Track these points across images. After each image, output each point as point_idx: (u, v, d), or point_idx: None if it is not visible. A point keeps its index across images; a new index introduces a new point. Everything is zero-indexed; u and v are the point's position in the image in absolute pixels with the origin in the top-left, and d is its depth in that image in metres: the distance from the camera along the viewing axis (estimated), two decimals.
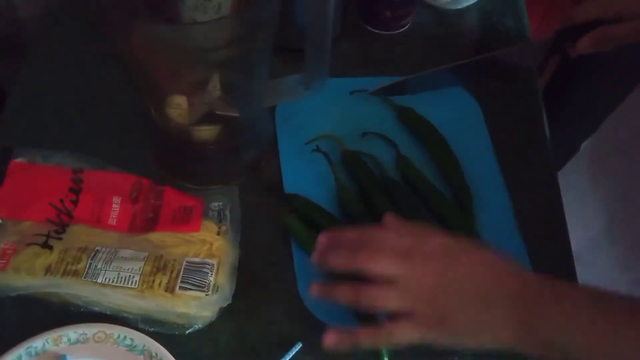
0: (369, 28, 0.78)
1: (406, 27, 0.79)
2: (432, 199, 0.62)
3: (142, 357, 0.51)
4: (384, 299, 0.47)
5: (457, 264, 0.47)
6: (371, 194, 0.61)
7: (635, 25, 0.62)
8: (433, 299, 0.46)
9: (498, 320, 0.46)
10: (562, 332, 0.44)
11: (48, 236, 0.55)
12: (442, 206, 0.61)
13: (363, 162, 0.64)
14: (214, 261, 0.54)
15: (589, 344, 0.44)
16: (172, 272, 0.53)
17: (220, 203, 0.59)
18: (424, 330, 0.47)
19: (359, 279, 0.48)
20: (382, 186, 0.62)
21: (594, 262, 0.73)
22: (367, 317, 0.51)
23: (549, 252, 0.61)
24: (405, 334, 0.47)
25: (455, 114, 0.70)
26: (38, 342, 0.51)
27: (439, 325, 0.46)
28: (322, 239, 0.51)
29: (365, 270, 0.48)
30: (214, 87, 0.58)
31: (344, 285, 0.49)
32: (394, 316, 0.47)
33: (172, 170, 0.65)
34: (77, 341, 0.52)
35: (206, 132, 0.61)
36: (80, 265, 0.53)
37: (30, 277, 0.53)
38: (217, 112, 0.60)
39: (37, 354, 0.51)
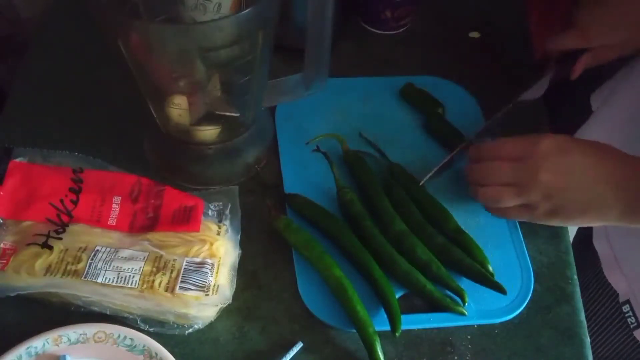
0: (369, 28, 0.79)
1: (406, 27, 0.79)
2: (427, 206, 0.61)
3: (142, 357, 0.51)
4: (502, 198, 0.56)
5: (569, 159, 0.54)
6: (371, 194, 0.61)
7: (624, 48, 0.64)
8: (547, 196, 0.54)
9: (606, 203, 0.53)
10: None
11: (48, 236, 0.55)
12: (437, 212, 0.61)
13: (364, 161, 0.64)
14: (214, 261, 0.54)
15: None
16: (172, 272, 0.53)
17: (220, 203, 0.59)
18: (538, 218, 0.56)
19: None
20: (381, 186, 0.62)
21: (594, 261, 0.73)
22: None
23: (549, 252, 0.61)
24: (522, 217, 0.58)
25: (455, 112, 0.70)
26: (38, 342, 0.51)
27: (554, 214, 0.55)
28: (466, 169, 0.61)
29: (483, 182, 0.58)
30: (214, 87, 0.58)
31: (478, 187, 0.58)
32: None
33: (172, 170, 0.65)
34: (77, 341, 0.52)
35: (206, 132, 0.61)
36: (80, 265, 0.53)
37: (30, 277, 0.53)
38: (217, 112, 0.60)
39: (37, 354, 0.51)
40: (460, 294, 0.56)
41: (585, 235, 0.71)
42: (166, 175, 0.63)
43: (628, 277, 0.67)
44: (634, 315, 0.67)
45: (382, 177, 0.64)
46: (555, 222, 0.57)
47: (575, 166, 0.54)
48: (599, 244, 0.71)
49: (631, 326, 0.68)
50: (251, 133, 0.64)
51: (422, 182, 0.63)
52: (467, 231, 0.60)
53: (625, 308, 0.68)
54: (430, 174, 0.64)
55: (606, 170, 0.53)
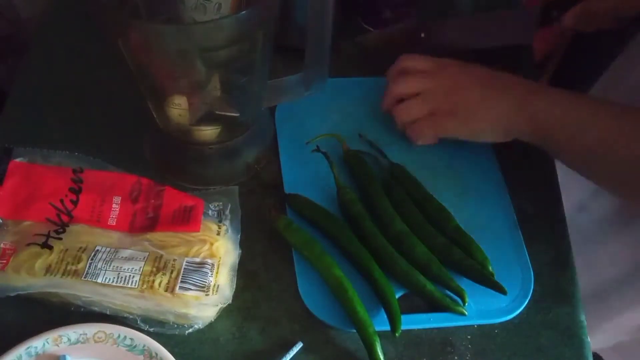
0: (370, 28, 0.78)
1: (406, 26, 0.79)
2: (427, 206, 0.61)
3: (142, 357, 0.51)
4: (410, 108, 0.61)
5: (468, 71, 0.60)
6: (371, 194, 0.61)
7: (614, 1, 0.63)
8: (447, 94, 0.59)
9: (499, 104, 0.58)
10: (546, 110, 0.55)
11: (48, 236, 0.55)
12: (437, 212, 0.61)
13: (364, 161, 0.64)
14: (214, 261, 0.54)
15: (575, 127, 0.54)
16: (172, 272, 0.53)
17: (220, 203, 0.59)
18: (440, 121, 0.60)
19: None
20: (381, 186, 0.62)
21: (594, 260, 0.73)
22: None
23: (549, 252, 0.61)
24: (425, 130, 0.61)
25: None
26: (38, 342, 0.51)
27: (453, 114, 0.59)
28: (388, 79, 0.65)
29: (397, 95, 0.63)
30: (214, 87, 0.58)
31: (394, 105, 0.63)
32: None
33: (172, 170, 0.65)
34: (77, 341, 0.52)
35: (206, 132, 0.61)
36: (80, 265, 0.53)
37: (30, 277, 0.52)
38: (217, 112, 0.60)
39: (37, 354, 0.51)
40: (460, 294, 0.56)
41: None
42: (166, 175, 0.63)
43: None
44: None
45: (382, 177, 0.64)
46: (454, 123, 0.60)
47: (474, 71, 0.60)
48: None
49: None
50: (251, 133, 0.64)
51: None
52: (467, 231, 0.60)
53: None
54: None
55: (502, 81, 0.59)
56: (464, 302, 0.56)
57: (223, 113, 0.60)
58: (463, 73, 0.60)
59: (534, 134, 0.57)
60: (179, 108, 0.58)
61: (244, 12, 0.48)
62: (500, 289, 0.55)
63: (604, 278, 0.73)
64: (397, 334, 0.53)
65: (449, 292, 0.57)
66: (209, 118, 0.60)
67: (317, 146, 0.63)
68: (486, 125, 0.59)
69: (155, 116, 0.61)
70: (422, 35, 0.70)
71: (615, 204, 0.70)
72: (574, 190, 0.70)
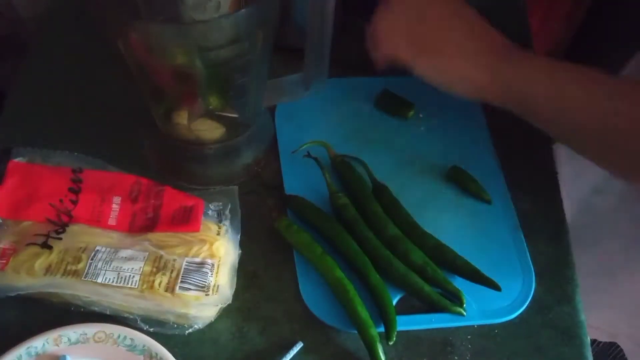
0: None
1: None
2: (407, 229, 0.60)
3: (142, 357, 0.51)
4: (395, 39, 0.58)
5: (458, 9, 0.57)
6: (362, 199, 0.61)
7: None
8: (434, 29, 0.56)
9: (478, 57, 0.55)
10: (522, 80, 0.53)
11: (48, 236, 0.55)
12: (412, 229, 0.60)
13: (351, 167, 0.64)
14: (214, 261, 0.54)
15: (546, 96, 0.52)
16: (172, 272, 0.53)
17: (220, 203, 0.59)
18: (420, 56, 0.56)
19: None
20: (370, 190, 0.62)
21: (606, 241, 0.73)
22: None
23: (549, 252, 0.61)
24: (405, 60, 0.57)
25: (456, 112, 0.70)
26: (38, 342, 0.51)
27: (432, 51, 0.56)
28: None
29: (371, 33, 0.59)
30: (214, 87, 0.58)
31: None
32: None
33: (172, 170, 0.65)
34: (77, 341, 0.52)
35: (206, 132, 0.61)
36: (80, 265, 0.53)
37: (30, 277, 0.52)
38: (216, 113, 0.60)
39: (37, 354, 0.51)
40: (457, 295, 0.56)
41: None
42: (166, 175, 0.63)
43: None
44: None
45: (372, 180, 0.63)
46: (429, 64, 0.57)
47: (463, 14, 0.57)
48: None
49: None
50: (251, 133, 0.64)
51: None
52: (468, 232, 0.60)
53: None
54: None
55: (490, 29, 0.56)
56: (461, 303, 0.56)
57: (222, 114, 0.60)
58: (450, 11, 0.57)
59: (508, 101, 0.55)
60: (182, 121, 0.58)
61: (243, 11, 0.48)
62: (493, 286, 0.55)
63: (618, 254, 0.72)
64: (390, 342, 0.53)
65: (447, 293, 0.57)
66: (208, 118, 0.60)
67: (308, 152, 0.63)
68: (455, 76, 0.57)
69: (154, 116, 0.61)
70: None
71: (630, 184, 0.69)
72: (587, 174, 0.69)
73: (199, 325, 0.54)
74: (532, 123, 0.55)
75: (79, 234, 0.56)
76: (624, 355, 0.75)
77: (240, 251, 0.57)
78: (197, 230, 0.56)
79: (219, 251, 0.55)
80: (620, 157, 0.51)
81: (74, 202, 0.57)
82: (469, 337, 0.56)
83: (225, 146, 0.63)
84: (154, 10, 0.55)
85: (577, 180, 0.63)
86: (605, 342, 0.68)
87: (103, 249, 0.54)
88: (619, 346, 0.82)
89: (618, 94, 0.50)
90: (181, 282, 0.52)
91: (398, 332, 0.53)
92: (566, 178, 0.66)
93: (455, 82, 0.56)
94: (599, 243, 0.63)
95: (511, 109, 0.55)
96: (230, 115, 0.61)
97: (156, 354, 0.51)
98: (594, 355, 0.56)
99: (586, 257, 0.65)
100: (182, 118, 0.59)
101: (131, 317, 0.53)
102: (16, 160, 0.59)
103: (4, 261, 0.53)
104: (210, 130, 0.62)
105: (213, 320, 0.55)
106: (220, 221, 0.58)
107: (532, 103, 0.53)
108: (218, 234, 0.57)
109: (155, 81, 0.58)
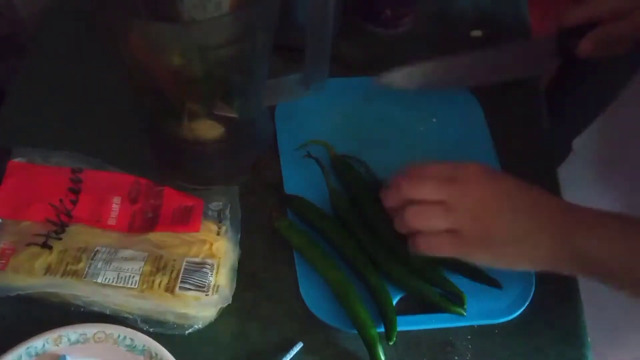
0: (370, 27, 0.78)
1: (407, 25, 0.79)
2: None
3: (142, 357, 0.51)
4: (430, 217, 0.51)
5: (495, 185, 0.52)
6: (362, 200, 0.61)
7: (636, 19, 0.61)
8: (476, 218, 0.50)
9: (535, 235, 0.49)
10: (596, 247, 0.48)
11: (47, 236, 0.55)
12: None
13: (351, 166, 0.64)
14: (214, 261, 0.54)
15: (624, 259, 0.47)
16: (172, 272, 0.53)
17: (220, 203, 0.59)
18: (466, 247, 0.51)
19: None
20: (370, 190, 0.62)
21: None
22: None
23: None
24: (446, 248, 0.51)
25: (456, 112, 0.70)
26: (38, 342, 0.51)
27: (483, 241, 0.50)
28: (383, 193, 0.55)
29: (411, 197, 0.52)
30: (213, 86, 0.58)
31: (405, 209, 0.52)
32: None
33: (172, 170, 0.65)
34: (77, 341, 0.52)
35: (206, 132, 0.61)
36: (80, 265, 0.53)
37: (30, 277, 0.52)
38: (216, 113, 0.60)
39: (37, 354, 0.51)
40: (458, 295, 0.56)
41: None
42: (166, 175, 0.63)
43: None
44: None
45: (373, 179, 0.63)
46: (486, 255, 0.51)
47: (504, 190, 0.51)
48: None
49: None
50: (251, 132, 0.64)
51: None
52: None
53: None
54: None
55: (535, 204, 0.51)
56: (462, 303, 0.55)
57: (222, 113, 0.60)
58: (490, 188, 0.51)
59: (580, 269, 0.50)
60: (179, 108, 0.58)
61: (242, 10, 0.48)
62: (494, 284, 0.55)
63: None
64: (390, 342, 0.53)
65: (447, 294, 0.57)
66: (208, 117, 0.60)
67: (309, 152, 0.63)
68: (523, 260, 0.51)
69: (154, 116, 0.61)
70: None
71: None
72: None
73: (199, 325, 0.54)
74: (602, 282, 0.50)
75: (78, 234, 0.56)
76: None
77: (240, 251, 0.57)
78: (197, 230, 0.56)
79: (219, 251, 0.55)
80: None
81: (74, 202, 0.57)
82: (469, 337, 0.56)
83: (225, 146, 0.63)
84: (153, 10, 0.55)
85: None
86: None
87: (103, 249, 0.54)
88: None
89: None
90: (181, 282, 0.52)
91: (398, 332, 0.53)
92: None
93: (517, 264, 0.52)
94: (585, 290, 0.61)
95: (582, 274, 0.52)
96: (229, 114, 0.61)
97: (156, 354, 0.51)
98: None
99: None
100: (181, 118, 0.59)
101: (131, 317, 0.53)
102: (16, 160, 0.59)
103: (4, 261, 0.53)
104: (209, 130, 0.61)
105: (213, 320, 0.55)
106: (220, 221, 0.58)
107: (608, 265, 0.48)
108: (218, 234, 0.57)
109: (155, 81, 0.58)
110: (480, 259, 0.52)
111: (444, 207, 0.51)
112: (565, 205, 0.51)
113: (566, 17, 0.64)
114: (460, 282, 0.57)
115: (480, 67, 0.69)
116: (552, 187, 0.66)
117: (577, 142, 0.76)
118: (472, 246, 0.51)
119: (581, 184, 0.74)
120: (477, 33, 0.79)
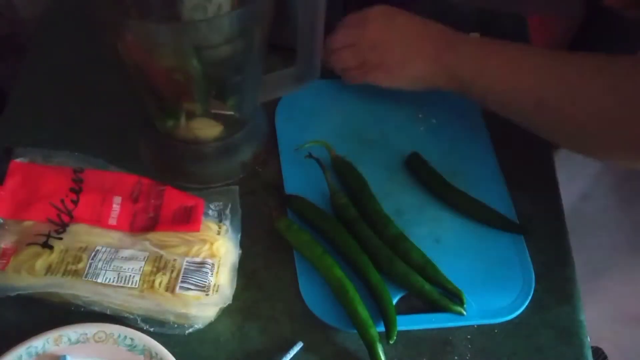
0: None
1: None
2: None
3: (142, 357, 0.51)
4: (344, 58, 0.65)
5: (390, 21, 0.63)
6: (363, 199, 0.61)
7: None
8: (374, 48, 0.63)
9: (418, 58, 0.62)
10: (458, 64, 0.59)
11: (48, 236, 0.55)
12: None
13: (352, 167, 0.64)
14: (214, 261, 0.54)
15: (490, 79, 0.58)
16: (172, 272, 0.53)
17: (220, 203, 0.59)
18: (371, 73, 0.64)
19: None
20: (370, 189, 0.62)
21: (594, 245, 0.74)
22: None
23: (549, 252, 0.61)
24: (358, 77, 0.66)
25: (456, 112, 0.70)
26: (38, 342, 0.51)
27: (379, 67, 0.64)
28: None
29: (332, 46, 0.65)
30: (211, 85, 0.58)
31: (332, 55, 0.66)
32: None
33: (171, 169, 0.65)
34: (77, 341, 0.52)
35: (205, 131, 0.61)
36: (81, 265, 0.53)
37: (30, 277, 0.53)
38: (213, 111, 0.60)
39: (37, 354, 0.51)
40: (457, 294, 0.56)
41: None
42: (165, 175, 0.63)
43: None
44: None
45: None
46: (385, 77, 0.64)
47: (398, 25, 0.63)
48: None
49: None
50: (247, 130, 0.64)
51: None
52: (468, 232, 0.60)
53: None
54: None
55: (424, 29, 0.63)
56: (462, 302, 0.56)
57: (218, 111, 0.60)
58: (387, 27, 0.63)
59: (451, 85, 0.61)
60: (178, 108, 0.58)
61: (238, 10, 0.48)
62: (520, 229, 0.61)
63: (602, 260, 0.73)
64: (390, 342, 0.53)
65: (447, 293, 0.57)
66: (206, 116, 0.60)
67: (310, 152, 0.63)
68: (407, 79, 0.64)
69: (153, 116, 0.61)
70: None
71: (617, 192, 0.70)
72: (577, 180, 0.70)
73: (199, 325, 0.54)
74: (496, 111, 0.60)
75: (79, 234, 0.56)
76: None
77: (240, 251, 0.57)
78: (198, 230, 0.56)
79: (219, 251, 0.55)
80: (618, 139, 0.52)
81: (75, 202, 0.57)
82: (469, 337, 0.56)
83: (223, 144, 0.63)
84: (153, 11, 0.55)
85: (568, 185, 0.64)
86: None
87: (103, 249, 0.54)
88: (604, 352, 0.82)
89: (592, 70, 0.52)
90: (181, 282, 0.52)
91: (398, 331, 0.53)
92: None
93: (407, 84, 0.64)
94: (584, 248, 0.63)
95: (462, 94, 0.61)
96: (227, 112, 0.61)
97: (156, 354, 0.51)
98: None
99: None
100: (179, 117, 0.59)
101: (131, 317, 0.53)
102: (17, 160, 0.59)
103: (5, 261, 0.53)
104: (208, 129, 0.62)
105: (213, 320, 0.55)
106: (220, 221, 0.58)
107: (477, 85, 0.59)
108: (218, 233, 0.57)
109: (153, 81, 0.58)
110: (382, 81, 0.65)
111: (351, 49, 0.64)
112: (443, 30, 0.62)
113: None
114: (460, 282, 0.57)
115: None
116: (552, 187, 0.66)
117: None
118: (375, 71, 0.64)
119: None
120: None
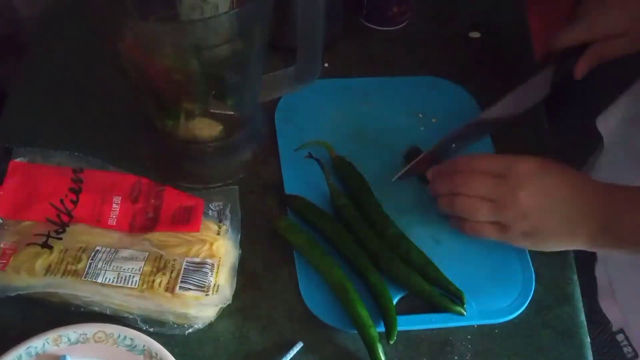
0: (371, 25, 0.78)
1: (407, 21, 0.79)
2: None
3: (142, 357, 0.51)
4: (478, 211, 0.55)
5: (547, 181, 0.54)
6: (363, 199, 0.61)
7: (631, 39, 0.62)
8: (525, 216, 0.54)
9: (579, 227, 0.54)
10: (633, 229, 0.52)
11: (48, 236, 0.55)
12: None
13: (352, 167, 0.64)
14: (214, 261, 0.54)
15: None
16: (172, 272, 0.53)
17: (220, 203, 0.59)
18: (512, 238, 0.56)
19: None
20: (370, 190, 0.62)
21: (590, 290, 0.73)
22: None
23: (549, 252, 0.61)
24: (491, 235, 0.56)
25: (456, 112, 0.70)
26: (38, 342, 0.51)
27: (528, 236, 0.55)
28: (428, 174, 0.61)
29: (461, 191, 0.56)
30: (210, 85, 0.58)
31: (453, 197, 0.57)
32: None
33: (170, 170, 0.65)
34: (77, 341, 0.52)
35: (205, 131, 0.61)
36: (80, 265, 0.53)
37: (30, 277, 0.53)
38: (213, 111, 0.60)
39: (37, 354, 0.51)
40: (458, 295, 0.56)
41: (586, 261, 0.70)
42: (165, 175, 0.63)
43: (621, 306, 0.67)
44: (630, 344, 0.66)
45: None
46: (528, 244, 0.57)
47: (552, 187, 0.54)
48: (599, 271, 0.69)
49: (628, 356, 0.67)
50: (247, 130, 0.64)
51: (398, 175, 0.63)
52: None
53: (620, 337, 0.67)
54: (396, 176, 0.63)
55: (578, 192, 0.54)
56: (462, 303, 0.56)
57: (218, 111, 0.60)
58: (541, 191, 0.54)
59: (614, 246, 0.55)
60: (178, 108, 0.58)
61: (237, 9, 0.48)
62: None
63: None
64: (391, 342, 0.53)
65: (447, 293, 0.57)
66: (206, 116, 0.60)
67: (310, 153, 0.63)
68: (561, 245, 0.57)
69: (153, 116, 0.61)
70: (453, 145, 0.64)
71: None
72: None
73: (199, 325, 0.54)
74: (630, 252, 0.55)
75: (79, 234, 0.56)
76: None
77: (240, 251, 0.57)
78: (197, 230, 0.56)
79: (219, 251, 0.55)
80: None
81: (75, 202, 0.57)
82: (469, 337, 0.56)
83: (223, 144, 0.63)
84: (152, 12, 0.55)
85: None
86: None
87: (103, 249, 0.54)
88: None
89: None
90: (181, 282, 0.52)
91: (398, 332, 0.53)
92: None
93: (556, 248, 0.58)
94: None
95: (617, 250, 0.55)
96: (227, 112, 0.61)
97: (156, 354, 0.51)
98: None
99: None
100: (179, 117, 0.59)
101: (131, 317, 0.53)
102: (17, 160, 0.59)
103: (4, 261, 0.53)
104: (207, 129, 0.62)
105: (213, 320, 0.55)
106: (220, 221, 0.58)
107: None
108: (218, 233, 0.57)
109: (153, 81, 0.58)
110: (522, 245, 0.57)
111: (493, 205, 0.55)
112: (602, 189, 0.54)
113: (559, 40, 0.64)
114: (460, 283, 0.57)
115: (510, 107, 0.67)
116: None
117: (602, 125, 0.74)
118: (517, 237, 0.56)
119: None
120: (475, 34, 0.80)
